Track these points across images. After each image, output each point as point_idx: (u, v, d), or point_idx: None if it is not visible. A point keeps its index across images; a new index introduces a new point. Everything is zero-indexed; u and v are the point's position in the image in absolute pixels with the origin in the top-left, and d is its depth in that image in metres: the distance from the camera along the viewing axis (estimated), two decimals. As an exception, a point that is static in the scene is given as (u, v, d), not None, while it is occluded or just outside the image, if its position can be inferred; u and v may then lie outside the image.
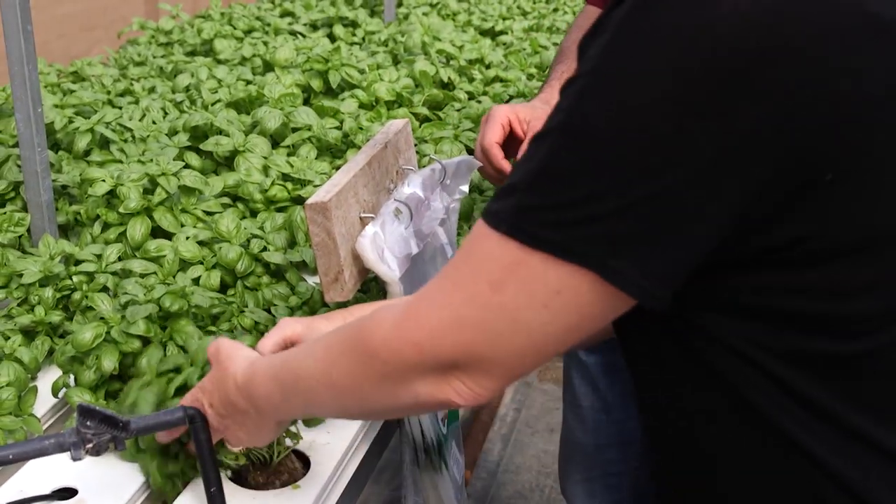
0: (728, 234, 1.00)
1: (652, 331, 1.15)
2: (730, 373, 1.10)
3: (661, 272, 1.01)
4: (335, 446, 1.58)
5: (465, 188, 1.83)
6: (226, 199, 2.15)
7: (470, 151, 2.42)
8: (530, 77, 3.03)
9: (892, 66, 0.97)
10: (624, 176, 0.97)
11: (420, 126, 2.56)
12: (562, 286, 1.01)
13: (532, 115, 2.00)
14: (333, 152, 2.42)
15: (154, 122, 2.48)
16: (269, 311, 1.84)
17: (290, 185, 2.17)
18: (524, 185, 1.02)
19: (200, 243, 1.94)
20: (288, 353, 1.30)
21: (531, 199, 1.01)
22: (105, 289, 1.77)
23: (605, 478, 2.39)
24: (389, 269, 1.60)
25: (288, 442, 1.48)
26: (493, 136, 1.93)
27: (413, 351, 1.08)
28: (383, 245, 1.61)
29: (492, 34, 3.67)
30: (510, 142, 1.99)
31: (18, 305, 1.77)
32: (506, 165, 1.91)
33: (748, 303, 1.06)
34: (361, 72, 2.84)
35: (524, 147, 1.63)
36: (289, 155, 2.36)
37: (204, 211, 2.07)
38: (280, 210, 2.13)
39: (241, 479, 1.46)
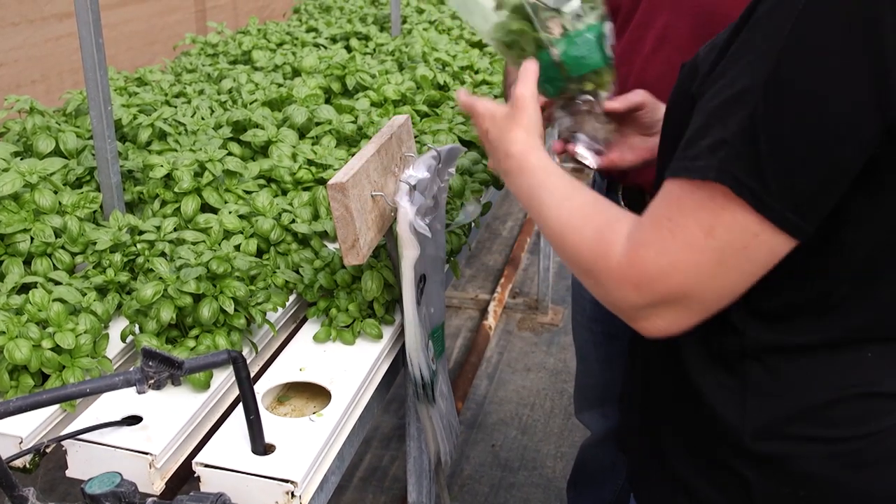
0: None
1: None
2: None
3: (822, 216, 1.01)
4: (351, 382, 1.59)
5: (453, 171, 1.81)
6: (261, 181, 2.14)
7: (462, 142, 2.40)
8: (511, 81, 3.01)
9: None
10: (824, 139, 0.96)
11: (421, 120, 2.54)
12: (759, 230, 0.99)
13: None
14: (350, 142, 2.41)
15: (203, 118, 2.46)
16: (297, 272, 1.84)
17: (314, 169, 2.16)
18: (733, 140, 0.98)
19: (241, 216, 1.93)
20: (549, 180, 1.25)
21: (738, 152, 0.98)
22: (163, 254, 1.77)
23: (613, 407, 2.41)
24: (422, 226, 1.58)
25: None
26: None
27: (632, 291, 1.06)
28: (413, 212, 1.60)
29: (479, 46, 3.64)
30: None
31: (93, 268, 1.76)
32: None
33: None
34: (373, 76, 2.82)
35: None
36: (313, 144, 2.35)
37: (244, 190, 2.07)
38: (306, 189, 2.12)
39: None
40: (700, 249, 1.01)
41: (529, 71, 1.38)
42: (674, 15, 1.78)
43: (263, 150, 2.29)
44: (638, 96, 1.51)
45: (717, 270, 1.01)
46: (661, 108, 1.51)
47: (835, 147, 0.96)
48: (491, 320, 4.41)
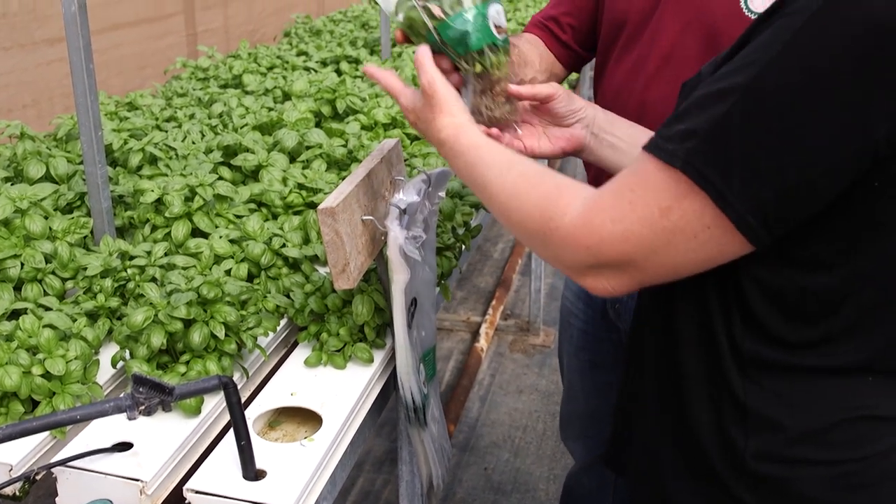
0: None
1: None
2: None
3: (784, 229, 1.03)
4: (342, 407, 1.58)
5: (443, 194, 1.82)
6: (252, 205, 2.14)
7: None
8: (501, 103, 3.02)
9: None
10: (794, 153, 0.98)
11: (411, 143, 2.55)
12: (713, 224, 1.03)
13: None
14: (340, 165, 2.42)
15: (193, 143, 2.47)
16: (287, 296, 1.84)
17: (304, 193, 2.16)
18: (704, 134, 1.02)
19: (231, 241, 1.93)
20: (485, 156, 1.32)
21: (707, 147, 1.01)
22: (154, 279, 1.77)
23: (598, 436, 2.41)
24: (412, 250, 1.59)
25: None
26: None
27: (581, 250, 1.12)
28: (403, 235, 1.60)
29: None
30: None
31: (84, 293, 1.76)
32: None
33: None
34: (363, 100, 2.83)
35: None
36: (303, 168, 2.35)
37: (234, 214, 2.07)
38: (296, 213, 2.13)
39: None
40: (652, 226, 1.06)
41: (422, 58, 1.45)
42: (682, 35, 1.77)
43: (254, 175, 2.29)
44: (548, 88, 1.55)
45: (664, 249, 1.07)
46: (577, 100, 1.57)
47: (805, 163, 0.98)
48: (482, 342, 4.41)
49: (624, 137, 1.58)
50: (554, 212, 1.15)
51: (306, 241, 2.00)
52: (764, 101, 0.98)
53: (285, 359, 1.75)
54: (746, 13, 1.67)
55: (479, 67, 1.52)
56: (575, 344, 2.33)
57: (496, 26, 1.50)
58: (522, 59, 1.89)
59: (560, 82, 2.09)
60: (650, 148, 1.07)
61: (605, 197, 1.11)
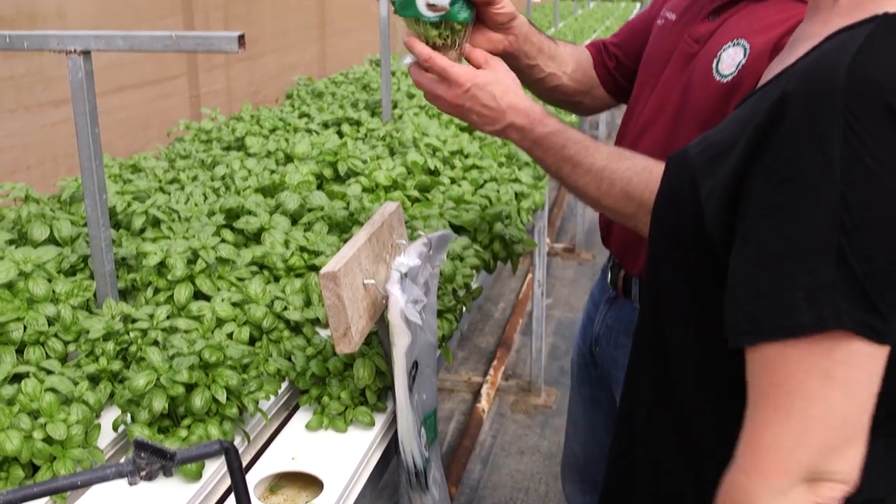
0: None
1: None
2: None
3: None
4: (344, 471, 1.58)
5: (444, 257, 1.84)
6: (254, 268, 2.16)
7: (453, 227, 2.43)
8: (500, 165, 3.06)
9: None
10: None
11: (412, 205, 2.58)
12: (873, 352, 0.96)
13: None
14: (342, 228, 2.44)
15: (196, 205, 2.49)
16: (289, 360, 1.85)
17: (306, 256, 2.18)
18: (834, 283, 0.94)
19: (233, 304, 1.95)
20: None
21: (845, 294, 0.94)
22: (156, 343, 1.77)
23: (593, 480, 2.40)
24: (413, 314, 1.61)
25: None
26: None
27: (777, 482, 0.99)
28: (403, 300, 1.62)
29: (469, 130, 3.70)
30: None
31: (86, 356, 1.77)
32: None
33: None
34: (364, 162, 2.86)
35: None
36: (305, 231, 2.37)
37: (236, 277, 2.08)
38: (298, 276, 2.14)
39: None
40: (824, 399, 0.96)
41: None
42: (670, 91, 1.82)
43: (256, 237, 2.31)
44: None
45: (849, 405, 0.97)
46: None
47: None
48: (484, 403, 4.40)
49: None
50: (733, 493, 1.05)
51: (308, 303, 2.01)
52: (864, 227, 0.93)
53: (286, 422, 1.76)
54: (715, 75, 1.71)
55: (411, 28, 1.79)
56: (576, 378, 2.34)
57: (429, 4, 1.70)
58: (551, 53, 2.07)
59: (601, 109, 2.25)
60: (767, 335, 0.99)
61: (753, 420, 1.02)
